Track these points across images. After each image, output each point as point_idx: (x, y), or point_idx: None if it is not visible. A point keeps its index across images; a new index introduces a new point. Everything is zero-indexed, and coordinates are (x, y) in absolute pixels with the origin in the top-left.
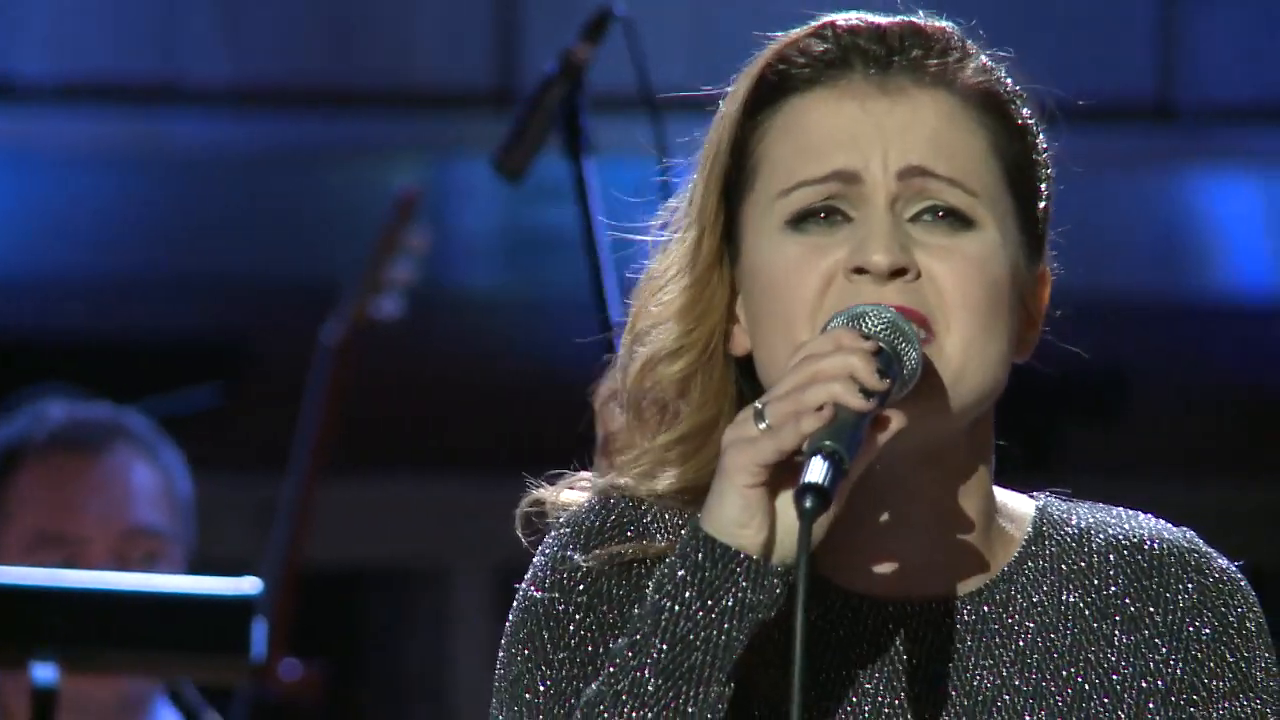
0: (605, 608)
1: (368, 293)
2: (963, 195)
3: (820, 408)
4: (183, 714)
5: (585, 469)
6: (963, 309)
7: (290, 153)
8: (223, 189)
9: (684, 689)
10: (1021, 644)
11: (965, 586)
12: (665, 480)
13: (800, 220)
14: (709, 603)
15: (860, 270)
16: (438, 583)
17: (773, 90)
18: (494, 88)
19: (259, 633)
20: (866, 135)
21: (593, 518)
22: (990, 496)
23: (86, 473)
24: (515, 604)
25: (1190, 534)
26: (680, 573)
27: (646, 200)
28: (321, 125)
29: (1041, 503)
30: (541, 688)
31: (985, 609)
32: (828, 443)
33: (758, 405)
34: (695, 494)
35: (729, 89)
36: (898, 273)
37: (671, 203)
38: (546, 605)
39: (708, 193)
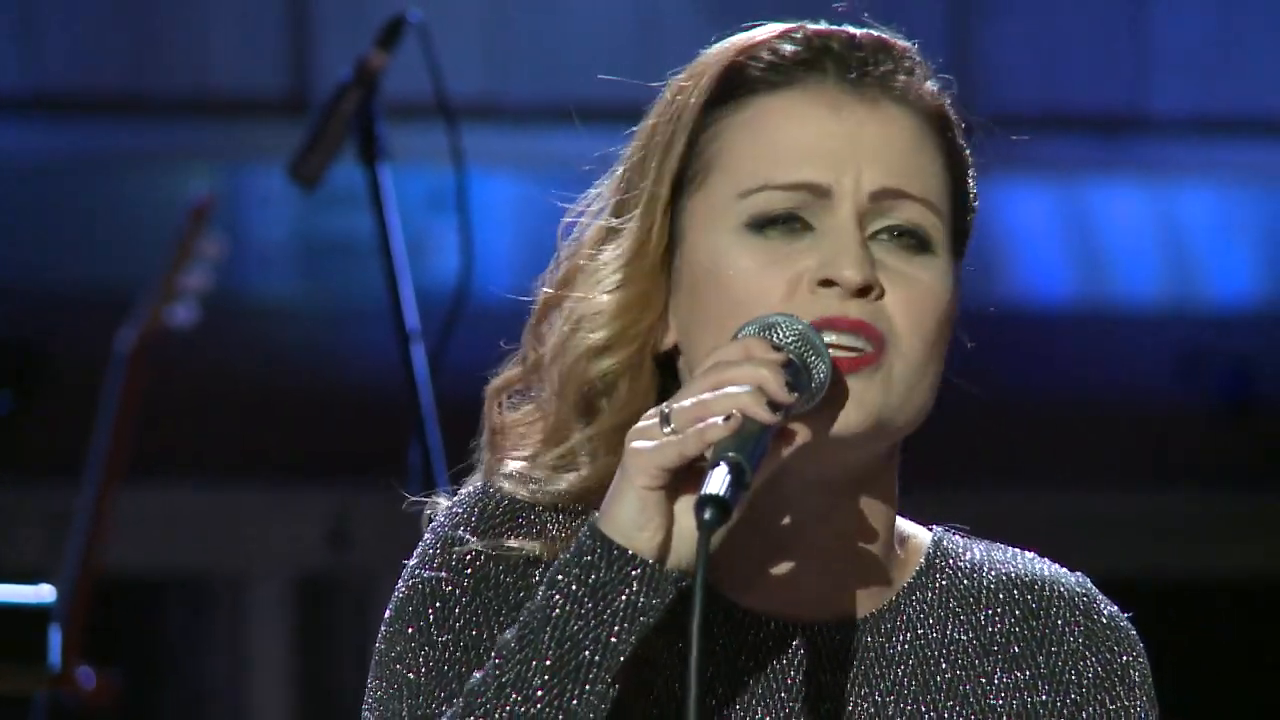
0: (491, 594)
1: (162, 300)
2: (931, 217)
3: (727, 417)
4: None
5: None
6: (915, 337)
7: (85, 159)
8: (16, 194)
9: (570, 687)
10: (900, 673)
11: (854, 612)
12: (568, 479)
13: (761, 224)
14: (600, 604)
15: (828, 283)
16: (234, 590)
17: (736, 87)
18: (288, 95)
19: (55, 641)
20: (840, 150)
21: (486, 500)
22: (894, 524)
23: None
24: (401, 581)
25: (1083, 578)
26: (575, 570)
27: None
28: (116, 132)
29: (938, 535)
30: (423, 668)
31: (869, 637)
32: (732, 454)
33: (664, 408)
34: (594, 498)
35: (664, 84)
36: (863, 290)
37: (596, 188)
38: (434, 585)
39: (659, 184)
